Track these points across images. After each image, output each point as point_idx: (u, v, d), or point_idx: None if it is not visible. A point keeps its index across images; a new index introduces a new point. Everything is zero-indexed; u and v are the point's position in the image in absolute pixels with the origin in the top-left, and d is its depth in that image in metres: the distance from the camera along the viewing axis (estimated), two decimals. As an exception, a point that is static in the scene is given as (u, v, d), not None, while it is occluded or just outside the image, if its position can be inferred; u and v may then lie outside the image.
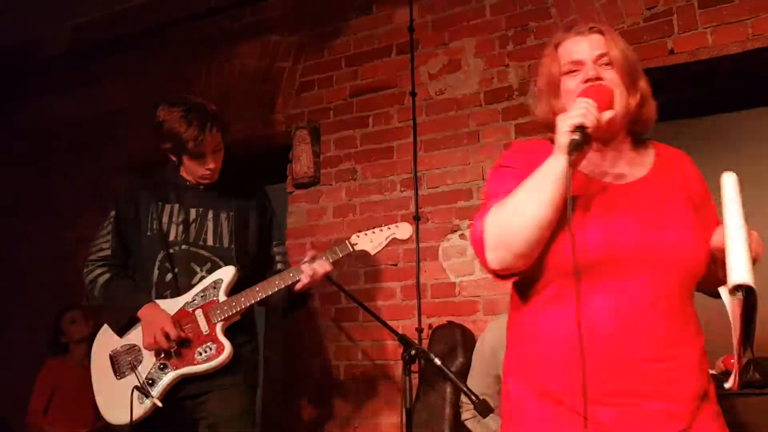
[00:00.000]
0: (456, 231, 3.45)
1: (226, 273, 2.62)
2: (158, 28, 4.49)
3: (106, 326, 2.71)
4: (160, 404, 2.50)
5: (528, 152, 1.60)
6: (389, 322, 2.77)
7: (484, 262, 1.50)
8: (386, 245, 2.61)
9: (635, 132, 1.60)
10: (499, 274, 1.52)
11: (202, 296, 2.60)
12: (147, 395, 2.50)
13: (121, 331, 2.64)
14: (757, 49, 2.95)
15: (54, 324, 4.15)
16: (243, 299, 2.57)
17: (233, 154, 2.83)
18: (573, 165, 1.38)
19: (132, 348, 2.62)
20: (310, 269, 2.54)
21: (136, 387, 2.49)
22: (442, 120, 3.60)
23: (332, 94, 3.95)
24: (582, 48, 1.55)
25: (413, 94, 3.66)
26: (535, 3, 3.46)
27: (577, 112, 1.40)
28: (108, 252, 2.72)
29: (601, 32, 1.56)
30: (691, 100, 3.48)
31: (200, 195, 2.74)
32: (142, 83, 4.59)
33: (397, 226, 2.61)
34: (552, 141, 1.48)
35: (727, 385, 1.42)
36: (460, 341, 3.14)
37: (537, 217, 1.39)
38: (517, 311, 1.60)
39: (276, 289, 2.58)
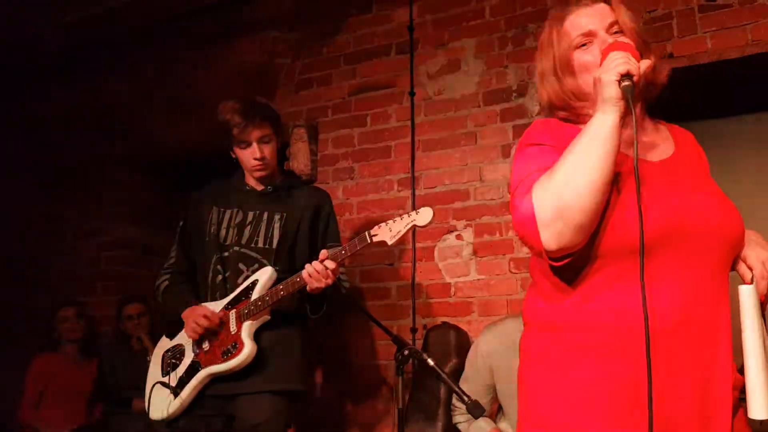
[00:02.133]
0: (452, 231, 3.45)
1: (263, 274, 2.62)
2: (158, 22, 4.48)
3: None
4: (182, 402, 2.56)
5: (553, 129, 1.50)
6: (383, 322, 2.76)
7: (537, 243, 1.32)
8: (405, 233, 2.42)
9: (650, 101, 1.53)
10: (554, 257, 1.34)
11: (238, 297, 2.63)
12: (175, 394, 2.57)
13: (170, 334, 2.75)
14: (756, 54, 2.95)
15: (48, 319, 4.15)
16: (267, 298, 2.55)
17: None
18: (623, 118, 1.31)
19: (177, 347, 2.71)
20: (310, 267, 2.47)
21: (160, 383, 2.58)
22: (440, 120, 3.59)
23: (331, 92, 3.94)
24: (592, 18, 1.48)
25: (412, 94, 3.66)
26: (534, 5, 3.46)
27: (619, 61, 1.30)
28: (173, 260, 2.83)
29: (606, 1, 1.50)
30: (691, 104, 3.48)
31: (261, 199, 2.79)
32: (141, 78, 4.58)
33: (417, 212, 2.41)
34: (563, 119, 1.46)
35: None
36: (454, 342, 3.13)
37: (593, 181, 1.27)
38: (557, 303, 1.43)
39: (297, 288, 2.52)
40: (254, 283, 2.61)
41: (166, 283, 2.79)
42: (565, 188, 1.29)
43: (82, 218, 4.64)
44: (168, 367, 2.68)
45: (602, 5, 1.49)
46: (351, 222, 3.72)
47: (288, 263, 2.71)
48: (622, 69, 1.29)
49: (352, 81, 3.89)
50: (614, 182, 1.33)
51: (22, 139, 4.91)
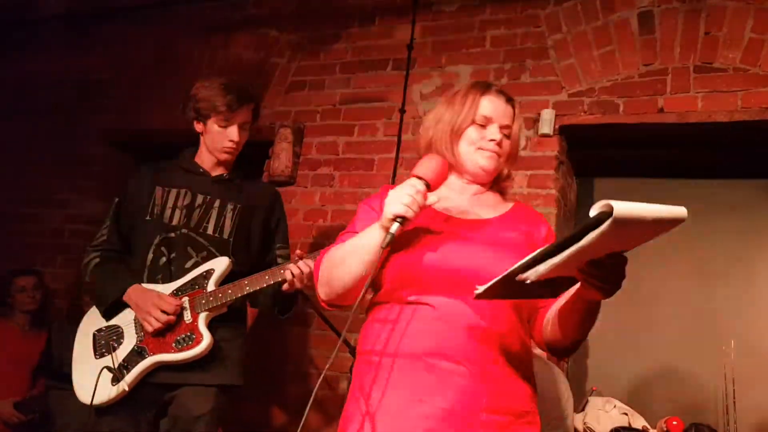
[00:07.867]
0: (423, 253, 3.43)
1: (220, 264, 2.55)
2: (158, 4, 4.45)
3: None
4: (127, 389, 2.43)
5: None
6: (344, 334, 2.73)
7: (316, 290, 1.72)
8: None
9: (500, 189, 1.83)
10: (326, 305, 1.74)
11: (191, 284, 2.53)
12: (119, 379, 2.43)
13: (107, 313, 2.58)
14: (743, 121, 2.99)
15: (3, 283, 4.04)
16: (230, 291, 2.48)
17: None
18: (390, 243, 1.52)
19: (115, 329, 2.56)
20: (295, 268, 2.42)
21: (107, 367, 2.43)
22: (426, 141, 3.58)
23: (322, 97, 3.93)
24: (498, 110, 1.75)
25: (402, 111, 3.65)
26: (535, 41, 3.49)
27: (405, 201, 1.49)
28: (105, 238, 2.68)
29: (512, 106, 1.79)
30: (674, 160, 3.53)
31: (211, 183, 2.69)
32: (133, 57, 4.54)
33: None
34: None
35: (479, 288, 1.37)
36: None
37: (357, 273, 1.58)
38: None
39: (264, 285, 2.47)
40: (209, 273, 2.53)
41: (97, 260, 2.63)
42: (337, 267, 1.63)
43: (52, 188, 4.55)
44: (103, 348, 2.53)
45: (509, 107, 1.78)
46: (324, 229, 3.69)
47: (244, 257, 2.64)
48: (400, 211, 1.49)
49: (345, 90, 3.88)
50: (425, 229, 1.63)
51: (4, 96, 4.81)
